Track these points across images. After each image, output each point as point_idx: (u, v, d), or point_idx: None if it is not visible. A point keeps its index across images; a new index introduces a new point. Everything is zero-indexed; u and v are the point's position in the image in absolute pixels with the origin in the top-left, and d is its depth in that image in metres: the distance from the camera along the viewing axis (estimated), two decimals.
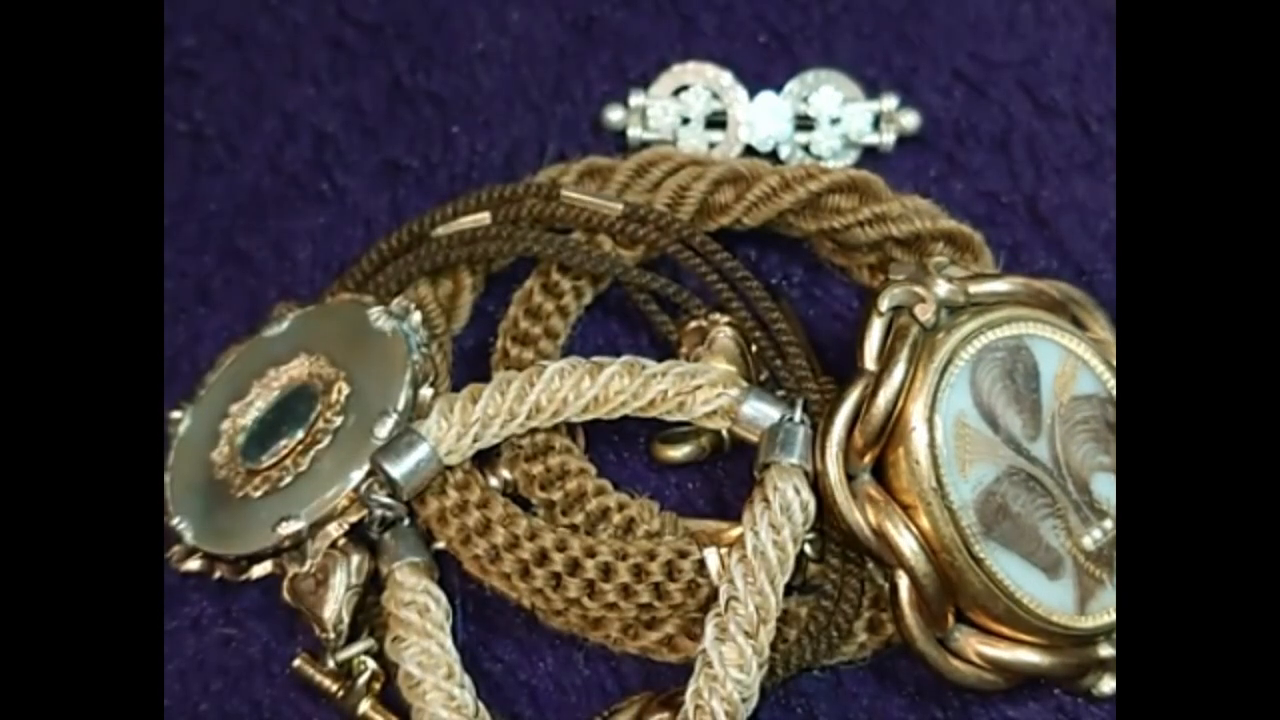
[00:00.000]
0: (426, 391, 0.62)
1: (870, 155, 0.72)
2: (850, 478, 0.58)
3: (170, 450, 0.64)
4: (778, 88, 0.73)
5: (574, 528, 0.60)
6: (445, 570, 0.61)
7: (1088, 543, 0.58)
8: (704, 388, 0.60)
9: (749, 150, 0.72)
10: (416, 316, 0.64)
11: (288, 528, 0.60)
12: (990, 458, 0.58)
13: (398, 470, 0.59)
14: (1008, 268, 0.67)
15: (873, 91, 0.73)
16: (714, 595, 0.57)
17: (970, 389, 0.59)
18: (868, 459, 0.58)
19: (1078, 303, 0.63)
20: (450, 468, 0.60)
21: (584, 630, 0.60)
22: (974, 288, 0.61)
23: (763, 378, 0.64)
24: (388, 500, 0.59)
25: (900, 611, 0.57)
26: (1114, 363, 0.61)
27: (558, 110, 0.74)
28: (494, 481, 0.62)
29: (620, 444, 0.65)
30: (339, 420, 0.61)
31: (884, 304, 0.60)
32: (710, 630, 0.56)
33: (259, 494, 0.61)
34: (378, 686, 0.60)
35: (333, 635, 0.60)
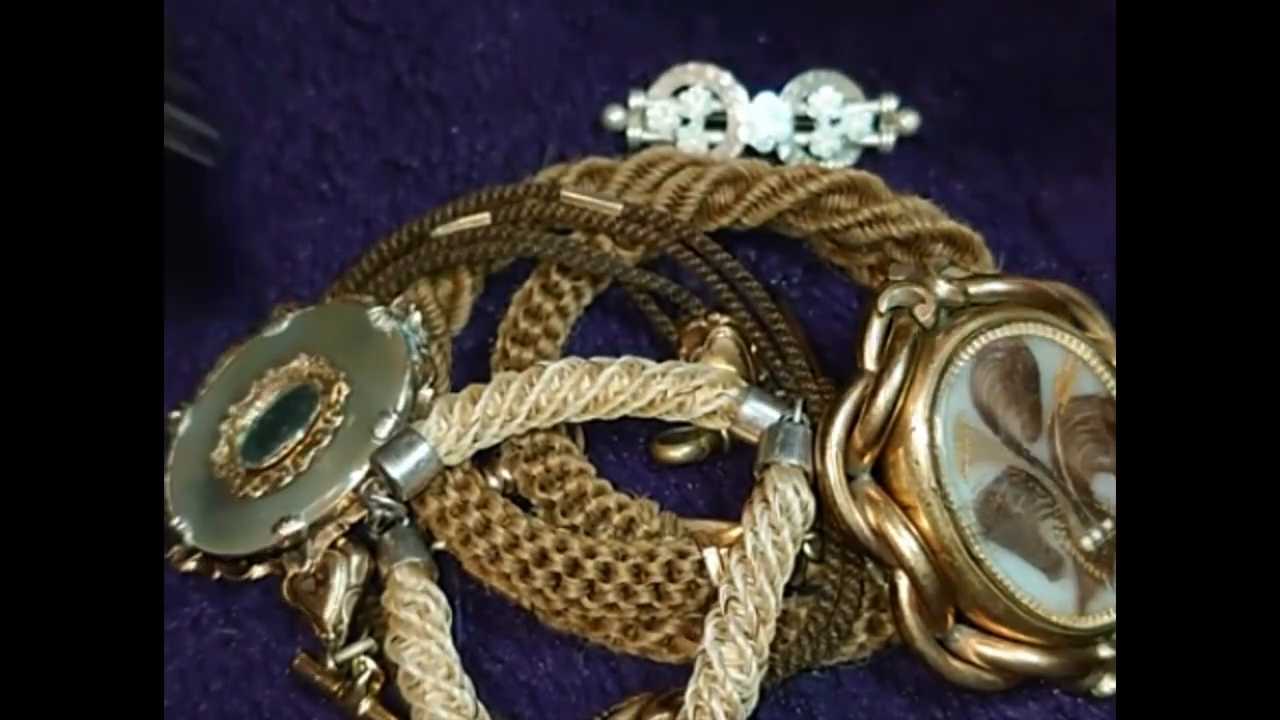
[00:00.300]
0: (426, 392, 0.62)
1: (870, 156, 0.73)
2: (850, 478, 0.58)
3: (170, 450, 0.64)
4: (777, 88, 0.73)
5: (574, 528, 0.60)
6: (445, 570, 0.61)
7: (1087, 543, 0.58)
8: (703, 388, 0.60)
9: (749, 151, 0.72)
10: (416, 317, 0.64)
11: (287, 528, 0.60)
12: (990, 458, 0.58)
13: (398, 470, 0.59)
14: (1007, 268, 0.67)
15: (873, 92, 0.73)
16: (714, 596, 0.57)
17: (970, 389, 0.59)
18: (867, 460, 0.58)
19: (1077, 303, 0.63)
20: (450, 468, 0.60)
21: (584, 631, 0.60)
22: (974, 288, 0.61)
23: (762, 378, 0.64)
24: (388, 501, 0.59)
25: (900, 612, 0.57)
26: (1114, 363, 0.61)
27: (558, 110, 0.74)
28: (494, 482, 0.62)
29: (620, 444, 0.65)
30: (339, 420, 0.61)
31: (883, 305, 0.60)
32: (710, 631, 0.56)
33: (259, 494, 0.61)
34: (377, 687, 0.60)
35: (332, 635, 0.60)
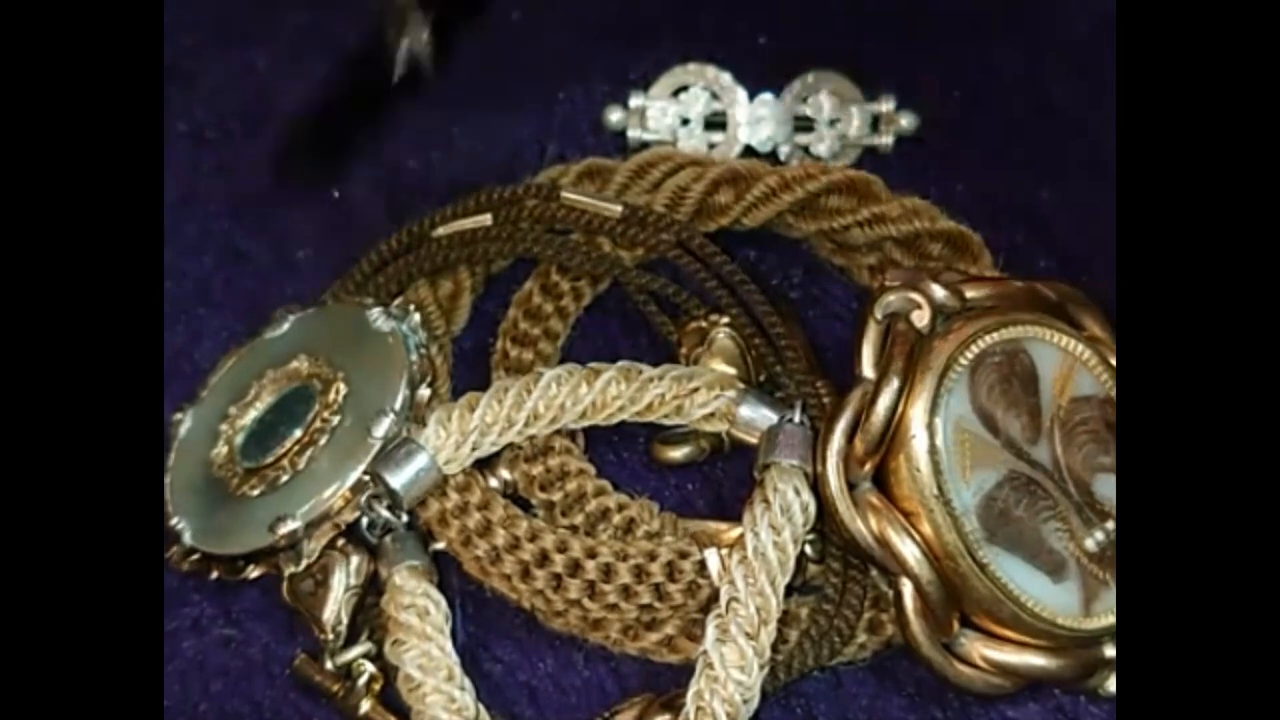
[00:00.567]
0: (424, 391, 0.62)
1: (870, 156, 0.72)
2: (851, 486, 0.58)
3: (171, 451, 0.64)
4: (778, 88, 0.73)
5: (574, 528, 0.60)
6: (444, 570, 0.61)
7: (1090, 544, 0.58)
8: (701, 391, 0.60)
9: (748, 151, 0.72)
10: (416, 317, 0.64)
11: (283, 527, 0.60)
12: (991, 462, 0.58)
13: (397, 480, 0.59)
14: (1006, 268, 0.67)
15: (872, 92, 0.73)
16: (714, 596, 0.57)
17: (969, 394, 0.58)
18: (868, 467, 0.58)
19: (1076, 304, 0.63)
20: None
21: (584, 631, 0.60)
22: (970, 292, 0.61)
23: (763, 378, 0.64)
24: (388, 515, 0.59)
25: (905, 618, 0.57)
26: (1113, 363, 0.61)
27: (558, 110, 0.74)
28: (494, 482, 0.62)
29: (620, 444, 0.65)
30: (336, 420, 0.61)
31: (879, 311, 0.59)
32: (711, 631, 0.56)
33: (256, 494, 0.61)
34: (377, 687, 0.60)
35: (331, 636, 0.60)
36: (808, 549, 0.59)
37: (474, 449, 0.59)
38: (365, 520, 0.60)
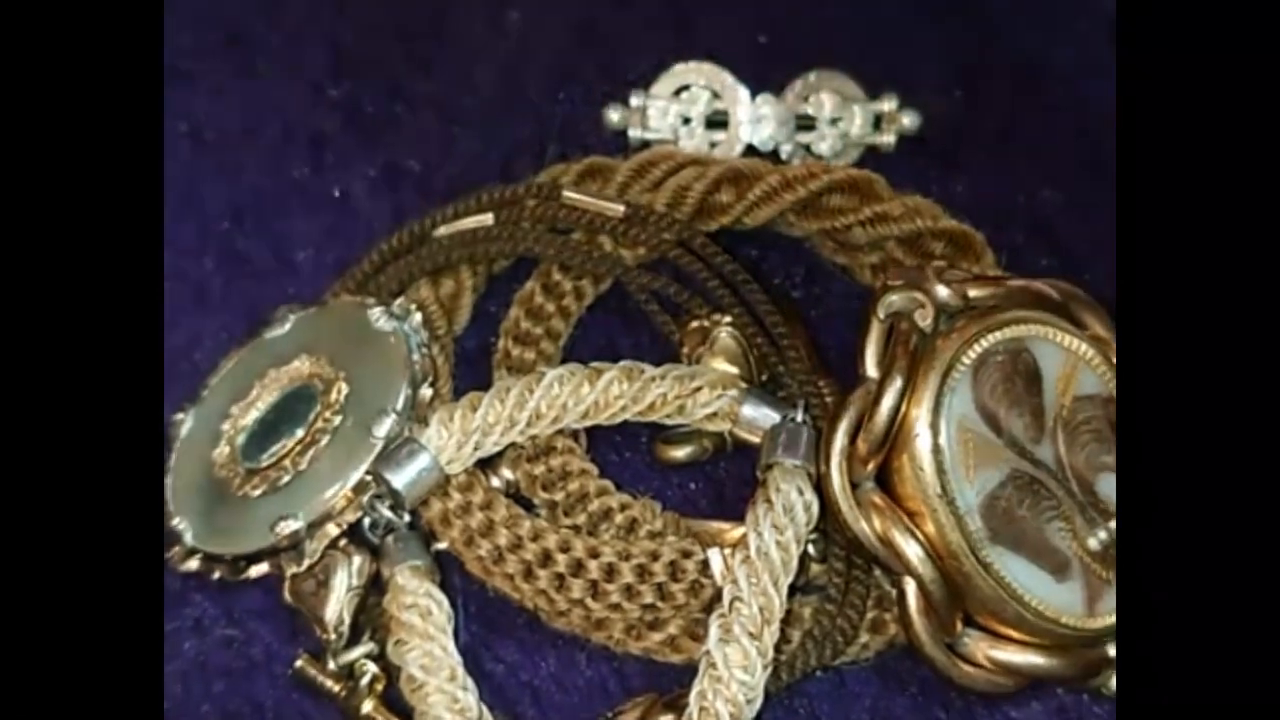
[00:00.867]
0: (426, 391, 0.62)
1: (871, 155, 0.72)
2: (854, 486, 0.58)
3: (172, 451, 0.64)
4: (778, 88, 0.73)
5: (576, 528, 0.60)
6: (446, 570, 0.61)
7: (1093, 544, 0.58)
8: (703, 390, 0.60)
9: (750, 150, 0.72)
10: (417, 317, 0.64)
11: (285, 527, 0.60)
12: (994, 462, 0.58)
13: (400, 480, 0.58)
14: (1008, 268, 0.67)
15: (873, 91, 0.73)
16: (717, 596, 0.57)
17: (972, 393, 0.58)
18: (871, 467, 0.58)
19: (1079, 303, 0.63)
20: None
21: (587, 631, 0.60)
22: (973, 291, 0.61)
23: (765, 378, 0.64)
24: (390, 515, 0.59)
25: (909, 618, 0.57)
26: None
27: (558, 110, 0.74)
28: (496, 481, 0.62)
29: (622, 444, 0.65)
30: (337, 420, 0.61)
31: (882, 311, 0.59)
32: (714, 631, 0.56)
33: (258, 494, 0.61)
34: (380, 688, 0.60)
35: (333, 636, 0.60)
36: (811, 549, 0.59)
37: (476, 449, 0.59)
38: (367, 520, 0.60)
